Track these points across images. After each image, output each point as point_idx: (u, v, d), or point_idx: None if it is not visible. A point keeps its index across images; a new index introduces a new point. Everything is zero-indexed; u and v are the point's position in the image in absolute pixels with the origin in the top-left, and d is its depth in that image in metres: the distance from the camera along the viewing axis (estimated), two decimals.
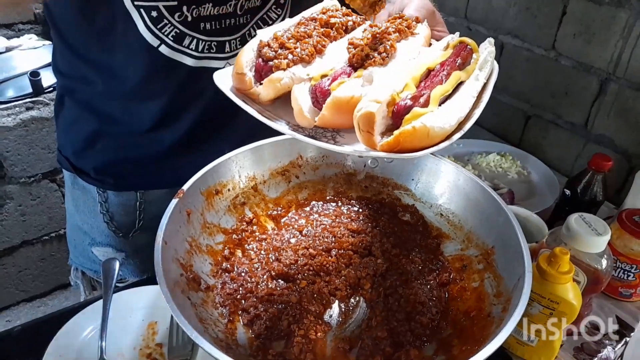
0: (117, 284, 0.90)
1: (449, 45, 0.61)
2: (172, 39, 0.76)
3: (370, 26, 0.64)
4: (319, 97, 0.54)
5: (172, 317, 0.72)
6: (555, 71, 1.46)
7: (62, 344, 0.68)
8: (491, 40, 0.61)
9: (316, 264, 0.73)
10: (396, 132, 0.48)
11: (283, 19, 0.86)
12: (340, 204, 0.84)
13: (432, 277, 0.72)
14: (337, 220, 0.80)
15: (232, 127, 0.91)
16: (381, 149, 0.50)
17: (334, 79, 0.57)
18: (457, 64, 0.57)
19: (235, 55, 0.81)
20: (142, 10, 0.72)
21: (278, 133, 0.57)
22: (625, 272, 0.88)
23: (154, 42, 0.75)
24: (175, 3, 0.73)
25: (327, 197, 0.85)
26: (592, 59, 1.35)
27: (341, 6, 0.69)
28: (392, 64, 0.58)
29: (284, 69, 0.57)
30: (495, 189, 1.11)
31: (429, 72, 0.56)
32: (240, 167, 0.78)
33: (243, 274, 0.72)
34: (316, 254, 0.74)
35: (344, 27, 0.66)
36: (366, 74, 0.56)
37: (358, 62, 0.59)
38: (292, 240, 0.77)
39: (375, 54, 0.58)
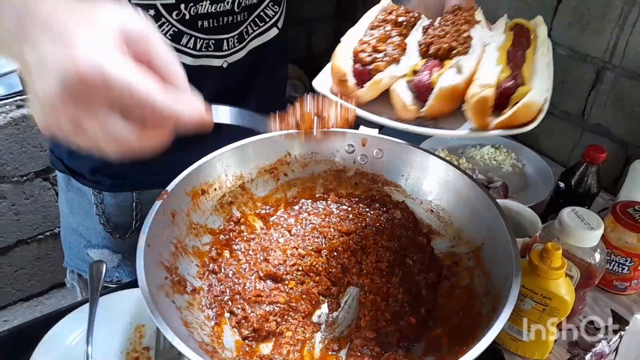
0: (112, 285, 0.89)
1: (506, 27, 0.70)
2: (169, 37, 0.75)
3: (441, 20, 0.71)
4: (421, 90, 0.60)
5: None
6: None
7: (48, 349, 0.67)
8: (541, 18, 0.70)
9: (305, 264, 0.72)
10: (510, 111, 0.55)
11: (279, 17, 0.85)
12: (329, 202, 0.82)
13: (422, 276, 0.70)
14: (327, 219, 0.79)
15: (229, 126, 0.90)
16: (497, 126, 0.56)
17: (430, 69, 0.63)
18: (525, 45, 0.65)
19: (234, 52, 0.82)
20: (139, 9, 0.71)
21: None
22: (620, 265, 0.87)
23: None
24: (173, 1, 0.72)
25: (317, 195, 0.84)
26: (588, 48, 1.34)
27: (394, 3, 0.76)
28: (471, 52, 0.64)
29: (382, 70, 0.63)
30: (489, 182, 1.10)
31: (507, 54, 0.63)
32: (226, 165, 0.77)
33: (231, 275, 0.71)
34: (305, 254, 0.73)
35: (410, 24, 0.71)
36: (453, 63, 0.62)
37: (444, 55, 0.65)
38: (281, 240, 0.76)
39: (458, 46, 0.64)
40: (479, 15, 0.71)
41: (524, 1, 1.47)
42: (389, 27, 0.69)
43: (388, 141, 0.79)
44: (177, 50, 0.77)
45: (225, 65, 0.83)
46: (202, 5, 0.74)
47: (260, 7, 0.82)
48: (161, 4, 0.72)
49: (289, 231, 0.78)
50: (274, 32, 0.86)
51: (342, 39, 0.69)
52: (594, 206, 1.01)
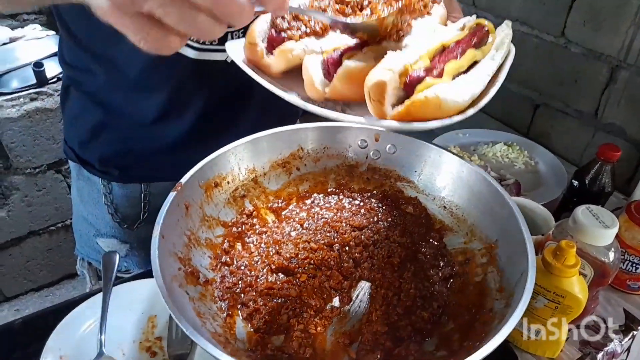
0: (122, 275, 0.90)
1: (465, 27, 0.62)
2: None
3: (386, 4, 0.64)
4: (330, 68, 0.54)
5: None
6: (565, 59, 1.43)
7: (61, 337, 0.68)
8: (508, 22, 0.62)
9: (317, 258, 0.72)
10: (408, 101, 0.48)
11: None
12: (342, 196, 0.82)
13: (434, 271, 0.70)
14: (339, 214, 0.79)
15: (236, 121, 0.90)
16: (392, 118, 0.50)
17: (345, 51, 0.56)
18: (473, 43, 0.57)
19: None
20: None
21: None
22: (634, 265, 0.86)
23: None
24: None
25: (329, 189, 0.84)
26: (602, 47, 1.32)
27: None
28: (406, 41, 0.58)
29: (297, 40, 0.57)
30: (502, 180, 1.10)
31: (444, 49, 0.56)
32: (239, 159, 0.77)
33: (243, 268, 0.71)
34: (317, 248, 0.73)
35: (359, 6, 0.65)
36: (378, 48, 0.57)
37: (371, 39, 0.58)
38: (293, 234, 0.76)
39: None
40: (438, 9, 0.66)
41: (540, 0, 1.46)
42: (327, 2, 0.63)
43: (401, 137, 0.78)
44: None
45: (229, 60, 0.83)
46: None
47: None
48: None
49: (301, 225, 0.78)
50: None
51: None
52: (607, 205, 1.00)
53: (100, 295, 0.74)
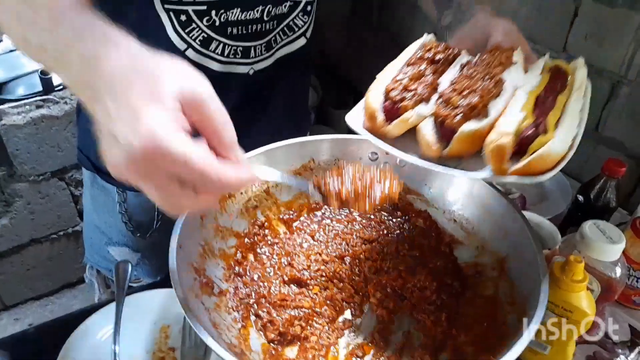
0: (132, 284, 0.90)
1: (544, 69, 0.68)
2: (199, 43, 0.76)
3: (477, 60, 0.70)
4: (446, 131, 0.61)
5: (184, 320, 0.73)
6: None
7: (74, 347, 0.68)
8: (581, 60, 0.68)
9: (329, 270, 0.73)
10: (527, 160, 0.55)
11: (308, 27, 0.86)
12: (352, 209, 0.83)
13: (444, 283, 0.71)
14: (350, 226, 0.80)
15: (251, 132, 0.91)
16: (512, 173, 0.56)
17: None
18: (558, 87, 0.63)
19: (260, 60, 0.83)
20: (171, 13, 0.73)
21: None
22: (639, 281, 0.87)
23: (181, 45, 0.76)
24: (204, 7, 0.73)
25: None
26: (603, 62, 1.34)
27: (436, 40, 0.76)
28: (502, 95, 0.63)
29: (411, 108, 0.64)
30: (508, 194, 1.11)
31: (537, 100, 0.62)
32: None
33: (255, 279, 0.72)
34: (329, 260, 0.74)
35: (448, 61, 0.71)
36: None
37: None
38: (304, 245, 0.77)
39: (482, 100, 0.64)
40: (517, 55, 0.70)
41: (541, 14, 1.48)
42: (424, 66, 0.69)
43: None
44: (205, 55, 0.78)
45: (251, 72, 0.84)
46: (232, 13, 0.76)
47: (290, 17, 0.83)
48: (193, 10, 0.74)
49: (312, 237, 0.79)
50: (302, 41, 0.88)
51: (377, 76, 0.70)
52: (611, 221, 1.01)
53: (112, 305, 0.74)
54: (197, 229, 0.68)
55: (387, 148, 0.64)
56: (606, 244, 0.74)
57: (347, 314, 0.71)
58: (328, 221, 0.82)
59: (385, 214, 0.82)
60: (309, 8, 0.85)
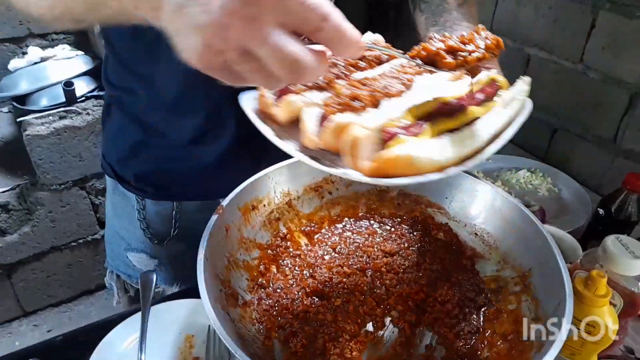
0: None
1: (479, 82, 0.59)
2: None
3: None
4: (325, 121, 0.56)
5: (208, 331, 0.74)
6: (584, 84, 1.44)
7: (103, 355, 0.70)
8: (526, 79, 0.59)
9: (351, 282, 0.73)
10: (376, 157, 0.48)
11: None
12: (372, 221, 0.84)
13: (466, 297, 0.71)
14: (371, 239, 0.80)
15: (268, 146, 0.92)
16: (365, 173, 0.50)
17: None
18: (479, 99, 0.55)
19: None
20: None
21: None
22: None
23: None
24: None
25: (360, 214, 0.86)
26: (621, 73, 1.34)
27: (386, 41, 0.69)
28: (403, 96, 0.58)
29: (298, 93, 0.60)
30: (526, 207, 1.11)
31: (438, 105, 0.54)
32: (275, 182, 0.79)
33: (279, 290, 0.73)
34: (350, 272, 0.74)
35: (377, 60, 0.67)
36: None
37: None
38: (326, 257, 0.78)
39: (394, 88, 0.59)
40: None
41: (558, 25, 1.48)
42: (341, 59, 0.64)
43: None
44: None
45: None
46: None
47: None
48: None
49: (334, 249, 0.80)
50: None
51: None
52: (632, 235, 1.01)
53: (137, 315, 0.76)
54: (222, 241, 0.69)
55: (262, 129, 0.58)
56: (629, 259, 0.73)
57: (369, 327, 0.71)
58: (349, 233, 0.83)
59: (406, 227, 0.83)
60: None
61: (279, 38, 0.36)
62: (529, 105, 0.58)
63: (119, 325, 0.74)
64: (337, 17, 0.38)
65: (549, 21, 1.50)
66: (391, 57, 0.66)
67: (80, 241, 2.04)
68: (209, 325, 0.74)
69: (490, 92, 0.56)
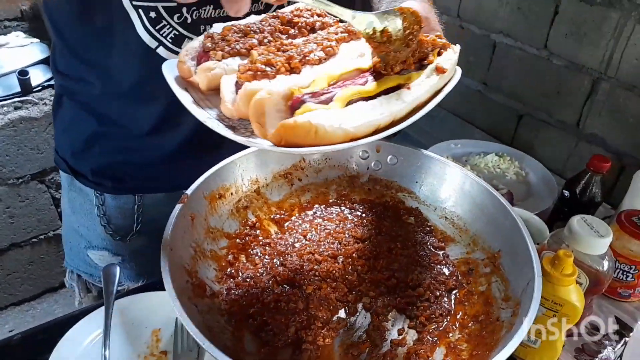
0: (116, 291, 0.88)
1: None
2: (170, 40, 0.75)
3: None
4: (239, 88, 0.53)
5: (176, 324, 0.72)
6: (548, 70, 1.47)
7: (63, 353, 0.67)
8: (456, 47, 0.58)
9: (322, 269, 0.72)
10: (279, 124, 0.46)
11: None
12: (343, 207, 0.83)
13: (437, 281, 0.71)
14: (342, 225, 0.79)
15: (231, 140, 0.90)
16: (270, 137, 0.48)
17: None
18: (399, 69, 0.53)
19: None
20: (140, 10, 0.71)
21: None
22: (624, 273, 0.89)
23: (152, 43, 0.74)
24: (174, 4, 0.71)
25: (330, 200, 0.85)
26: (583, 59, 1.37)
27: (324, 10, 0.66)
28: (323, 64, 0.56)
29: (218, 60, 0.57)
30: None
31: (358, 74, 0.53)
32: (243, 170, 0.77)
33: (248, 280, 0.71)
34: (322, 259, 0.73)
35: (309, 27, 0.64)
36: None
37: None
38: (297, 245, 0.77)
39: (314, 55, 0.57)
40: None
41: (521, 12, 1.50)
42: (269, 22, 0.62)
43: (403, 148, 0.80)
44: (178, 53, 0.77)
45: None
46: (205, 10, 0.74)
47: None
48: (162, 7, 0.72)
49: (304, 236, 0.78)
50: None
51: (214, 25, 0.64)
52: (596, 215, 1.03)
53: (100, 310, 0.72)
54: (187, 231, 0.67)
55: (180, 96, 0.56)
56: (594, 238, 0.75)
57: (342, 313, 0.70)
58: (320, 220, 0.81)
59: (377, 212, 0.82)
60: (285, 5, 0.84)
61: None
62: (458, 74, 0.57)
63: (80, 321, 0.70)
64: None
65: (512, 8, 1.52)
66: (326, 26, 0.64)
67: (42, 237, 1.96)
68: (177, 318, 0.72)
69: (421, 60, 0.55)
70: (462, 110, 1.76)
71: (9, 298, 2.04)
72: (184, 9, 0.73)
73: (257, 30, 0.61)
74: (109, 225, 0.97)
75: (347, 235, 0.78)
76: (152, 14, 0.72)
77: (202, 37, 0.61)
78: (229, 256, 0.73)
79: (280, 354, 0.64)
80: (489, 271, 0.69)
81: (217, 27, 0.63)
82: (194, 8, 0.73)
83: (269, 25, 0.62)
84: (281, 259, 0.74)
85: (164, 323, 0.73)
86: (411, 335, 0.67)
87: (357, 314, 0.70)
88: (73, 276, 1.08)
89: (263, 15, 0.66)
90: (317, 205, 0.84)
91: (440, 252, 0.76)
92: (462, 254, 0.74)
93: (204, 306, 0.63)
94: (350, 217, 0.82)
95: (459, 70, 0.57)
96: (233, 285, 0.70)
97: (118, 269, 0.77)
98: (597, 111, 1.39)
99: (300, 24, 0.63)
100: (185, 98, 0.55)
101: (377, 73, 0.53)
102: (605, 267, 0.78)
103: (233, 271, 0.72)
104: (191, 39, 0.75)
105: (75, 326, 0.70)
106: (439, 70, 0.54)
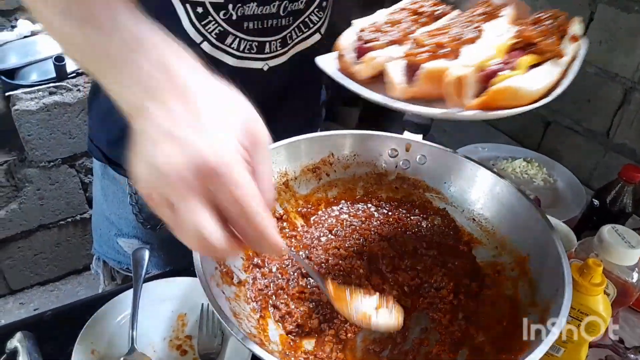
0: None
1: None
2: (215, 36, 0.76)
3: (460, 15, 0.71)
4: (411, 71, 0.60)
5: (202, 309, 0.73)
6: (579, 78, 1.43)
7: (93, 332, 0.69)
8: (579, 18, 0.68)
9: (347, 265, 0.73)
10: (485, 93, 0.53)
11: (323, 23, 0.86)
12: (369, 205, 0.84)
13: (462, 282, 0.71)
14: (367, 222, 0.80)
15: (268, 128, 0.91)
16: (473, 107, 0.55)
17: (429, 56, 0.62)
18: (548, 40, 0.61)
19: (275, 57, 0.83)
20: (187, 5, 0.73)
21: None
22: None
23: (197, 38, 0.76)
24: (221, 0, 0.73)
25: (357, 197, 0.85)
26: (616, 67, 1.34)
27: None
28: (478, 42, 0.62)
29: (382, 49, 0.64)
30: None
31: (515, 46, 0.60)
32: (273, 162, 0.78)
33: (274, 270, 0.72)
34: (347, 255, 0.74)
35: (433, 15, 0.72)
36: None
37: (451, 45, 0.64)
38: (322, 239, 0.77)
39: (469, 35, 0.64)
40: (507, 10, 0.69)
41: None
42: (404, 14, 0.70)
43: (432, 148, 0.80)
44: (221, 49, 0.78)
45: (265, 68, 0.84)
46: (249, 7, 0.76)
47: (306, 13, 0.83)
48: (210, 3, 0.73)
49: (330, 231, 0.79)
50: (316, 37, 0.87)
51: (354, 21, 0.70)
52: (626, 226, 1.01)
53: (129, 292, 0.74)
54: None
55: (352, 86, 0.63)
56: (625, 249, 0.74)
57: None
58: (346, 216, 0.82)
59: (403, 211, 0.82)
60: (324, 4, 0.84)
61: (199, 206, 0.39)
62: (586, 43, 0.67)
63: (110, 301, 0.72)
64: (262, 220, 0.41)
65: None
66: (444, 13, 0.72)
67: (69, 220, 2.01)
68: (202, 304, 0.73)
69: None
70: None
71: (35, 278, 2.10)
72: (230, 6, 0.74)
73: (398, 22, 0.69)
74: (140, 214, 0.99)
75: (372, 233, 0.78)
76: (199, 10, 0.73)
77: (352, 32, 0.68)
78: None
79: (302, 345, 0.65)
80: (515, 275, 0.68)
81: (361, 22, 0.70)
82: (239, 5, 0.74)
83: (405, 16, 0.70)
84: (307, 252, 0.75)
85: (190, 308, 0.74)
86: (434, 335, 0.67)
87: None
88: (99, 263, 1.10)
89: (390, 10, 0.74)
90: (343, 201, 0.84)
91: (466, 255, 0.76)
92: (489, 256, 0.74)
93: (230, 293, 0.64)
94: (376, 214, 0.82)
95: (585, 40, 0.67)
96: (259, 275, 0.71)
97: (147, 253, 0.79)
98: (629, 121, 1.36)
99: (426, 12, 0.71)
100: (357, 87, 0.63)
101: (527, 44, 0.60)
102: (635, 279, 0.77)
103: (259, 261, 0.73)
104: (234, 35, 0.77)
105: (103, 307, 0.71)
106: (573, 39, 0.64)
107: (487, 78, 0.55)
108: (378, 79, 0.64)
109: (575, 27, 0.66)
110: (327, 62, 0.67)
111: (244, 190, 0.39)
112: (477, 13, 0.67)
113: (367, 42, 0.64)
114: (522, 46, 0.60)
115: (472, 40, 0.61)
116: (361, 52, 0.64)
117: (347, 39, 0.66)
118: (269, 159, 0.45)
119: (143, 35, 0.45)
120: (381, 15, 0.72)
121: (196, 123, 0.40)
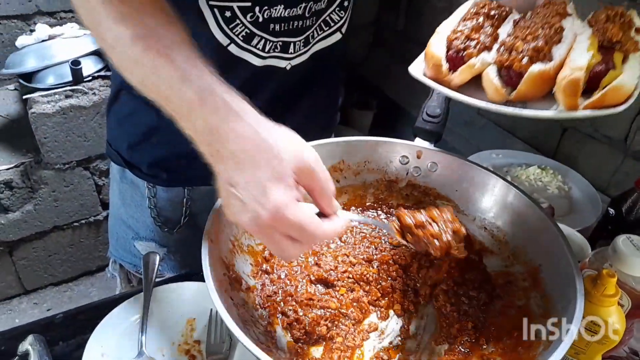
0: (155, 279, 0.91)
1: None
2: (242, 38, 0.77)
3: (532, 14, 0.73)
4: (512, 75, 0.64)
5: (210, 314, 0.73)
6: None
7: (103, 335, 0.69)
8: (634, 11, 0.68)
9: (356, 272, 0.72)
10: (600, 92, 0.58)
11: (344, 22, 0.86)
12: (380, 212, 0.83)
13: (473, 292, 0.71)
14: (377, 230, 0.79)
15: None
16: (586, 107, 0.59)
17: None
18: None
19: (298, 55, 0.83)
20: (215, 10, 0.73)
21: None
22: None
23: (224, 41, 0.76)
24: (249, 4, 0.73)
25: (367, 204, 0.85)
26: None
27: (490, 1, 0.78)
28: (563, 41, 0.65)
29: (476, 56, 0.67)
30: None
31: (599, 43, 0.63)
32: None
33: (283, 277, 0.72)
34: (356, 262, 0.74)
35: (501, 17, 0.74)
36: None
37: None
38: (332, 246, 0.77)
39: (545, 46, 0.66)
40: (570, 8, 0.71)
41: None
42: (481, 19, 0.73)
43: (444, 155, 0.79)
44: (247, 50, 0.79)
45: (288, 68, 0.84)
46: (276, 10, 0.76)
47: (327, 12, 0.83)
48: (238, 7, 0.74)
49: (340, 238, 0.79)
50: (337, 36, 0.87)
51: (437, 29, 0.74)
52: None
53: (139, 296, 0.75)
54: (227, 224, 0.68)
55: (455, 95, 0.68)
56: (639, 259, 0.72)
57: (373, 317, 0.70)
58: (355, 223, 0.82)
59: None
60: (345, 3, 0.85)
61: (280, 239, 0.54)
62: None
63: (120, 305, 0.73)
64: (318, 233, 0.54)
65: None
66: (507, 14, 0.74)
67: (83, 221, 2.03)
68: (211, 309, 0.73)
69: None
70: (503, 120, 1.73)
71: (49, 278, 2.13)
72: (257, 9, 0.74)
73: (480, 27, 0.72)
74: (158, 217, 0.99)
75: (382, 241, 0.78)
76: (227, 13, 0.74)
77: (438, 43, 0.71)
78: (265, 252, 0.74)
79: (310, 351, 0.65)
80: (527, 285, 0.67)
81: (443, 29, 0.73)
82: (266, 7, 0.75)
83: (483, 20, 0.73)
84: (315, 259, 0.75)
85: (199, 313, 0.74)
86: (443, 345, 0.66)
87: (389, 319, 0.70)
88: (116, 266, 1.11)
89: (460, 14, 0.77)
90: (353, 208, 0.84)
91: (477, 264, 0.75)
92: (500, 266, 0.73)
93: (239, 299, 0.64)
94: (386, 222, 0.82)
95: None
96: (268, 282, 0.71)
97: (158, 257, 0.80)
98: None
99: (496, 16, 0.73)
100: (454, 94, 0.68)
101: (609, 41, 0.63)
102: None
103: (268, 267, 0.73)
104: (260, 36, 0.78)
105: (114, 310, 0.72)
106: (638, 32, 0.65)
107: (593, 78, 0.60)
108: (467, 85, 0.68)
109: (637, 19, 0.67)
110: (418, 70, 0.71)
111: (297, 225, 0.52)
112: (549, 14, 0.69)
113: (458, 50, 0.68)
114: (602, 43, 0.63)
115: (558, 41, 0.64)
116: (454, 61, 0.68)
117: (440, 48, 0.69)
118: (320, 177, 0.56)
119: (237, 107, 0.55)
120: (453, 22, 0.74)
121: (255, 191, 0.52)
